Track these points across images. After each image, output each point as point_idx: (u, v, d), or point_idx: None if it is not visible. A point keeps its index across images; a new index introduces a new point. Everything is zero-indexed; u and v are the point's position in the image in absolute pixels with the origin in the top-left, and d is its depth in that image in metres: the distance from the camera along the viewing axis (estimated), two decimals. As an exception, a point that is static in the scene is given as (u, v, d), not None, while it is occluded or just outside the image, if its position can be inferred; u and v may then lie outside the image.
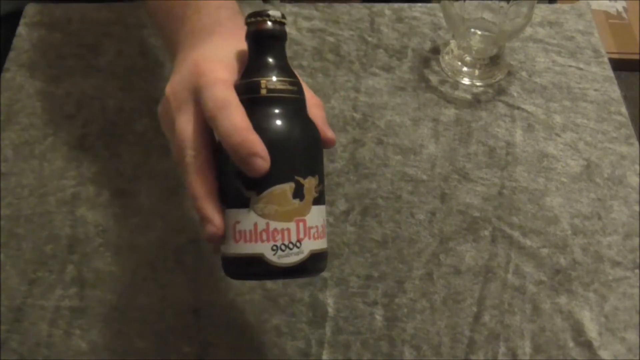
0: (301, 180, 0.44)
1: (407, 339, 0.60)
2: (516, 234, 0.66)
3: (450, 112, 0.75)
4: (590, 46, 0.82)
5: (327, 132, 0.48)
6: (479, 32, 0.75)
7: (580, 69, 0.79)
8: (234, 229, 0.45)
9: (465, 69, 0.78)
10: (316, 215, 0.46)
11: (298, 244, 0.44)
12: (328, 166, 0.70)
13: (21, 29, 0.82)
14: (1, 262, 0.64)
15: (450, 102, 0.76)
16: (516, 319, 0.61)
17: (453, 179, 0.70)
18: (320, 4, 0.85)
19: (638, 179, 0.70)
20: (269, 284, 0.62)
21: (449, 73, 0.78)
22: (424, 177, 0.70)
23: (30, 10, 0.83)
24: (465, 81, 0.78)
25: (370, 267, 0.64)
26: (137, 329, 0.61)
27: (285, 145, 0.45)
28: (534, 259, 0.65)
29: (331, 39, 0.82)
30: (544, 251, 0.65)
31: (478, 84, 0.78)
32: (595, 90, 0.78)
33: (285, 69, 0.47)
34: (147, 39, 0.81)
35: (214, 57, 0.49)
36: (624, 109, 0.76)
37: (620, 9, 2.03)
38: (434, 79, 0.78)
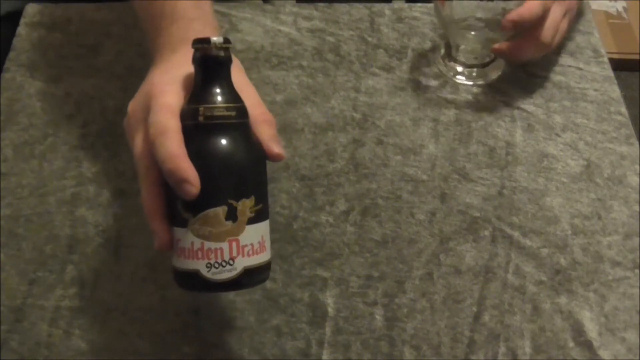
0: (234, 203, 0.47)
1: (407, 339, 0.60)
2: (516, 234, 0.66)
3: (450, 112, 0.75)
4: (590, 46, 0.82)
5: (272, 148, 0.50)
6: (477, 33, 0.75)
7: (580, 68, 0.79)
8: (176, 245, 0.49)
9: (465, 69, 0.78)
10: (252, 234, 0.48)
11: (231, 262, 0.48)
12: (328, 166, 0.70)
13: (21, 29, 0.82)
14: (1, 262, 0.64)
15: (450, 102, 0.76)
16: (516, 319, 0.61)
17: (453, 179, 0.70)
18: (321, 4, 0.85)
19: (638, 179, 0.70)
20: (268, 284, 0.62)
21: (449, 73, 0.78)
22: (424, 177, 0.70)
23: (30, 10, 0.83)
24: (465, 81, 0.78)
25: (370, 267, 0.64)
26: (137, 329, 0.61)
27: (218, 171, 0.47)
28: (534, 259, 0.65)
29: (331, 39, 0.82)
30: (544, 251, 0.65)
31: (478, 84, 0.78)
32: (595, 90, 0.77)
33: (227, 94, 0.49)
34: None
35: (167, 79, 0.51)
36: (624, 109, 0.76)
37: (620, 9, 2.03)
38: (434, 79, 0.78)
